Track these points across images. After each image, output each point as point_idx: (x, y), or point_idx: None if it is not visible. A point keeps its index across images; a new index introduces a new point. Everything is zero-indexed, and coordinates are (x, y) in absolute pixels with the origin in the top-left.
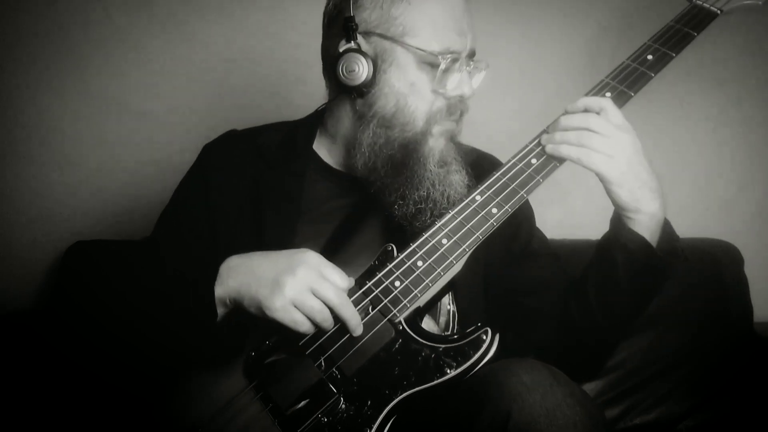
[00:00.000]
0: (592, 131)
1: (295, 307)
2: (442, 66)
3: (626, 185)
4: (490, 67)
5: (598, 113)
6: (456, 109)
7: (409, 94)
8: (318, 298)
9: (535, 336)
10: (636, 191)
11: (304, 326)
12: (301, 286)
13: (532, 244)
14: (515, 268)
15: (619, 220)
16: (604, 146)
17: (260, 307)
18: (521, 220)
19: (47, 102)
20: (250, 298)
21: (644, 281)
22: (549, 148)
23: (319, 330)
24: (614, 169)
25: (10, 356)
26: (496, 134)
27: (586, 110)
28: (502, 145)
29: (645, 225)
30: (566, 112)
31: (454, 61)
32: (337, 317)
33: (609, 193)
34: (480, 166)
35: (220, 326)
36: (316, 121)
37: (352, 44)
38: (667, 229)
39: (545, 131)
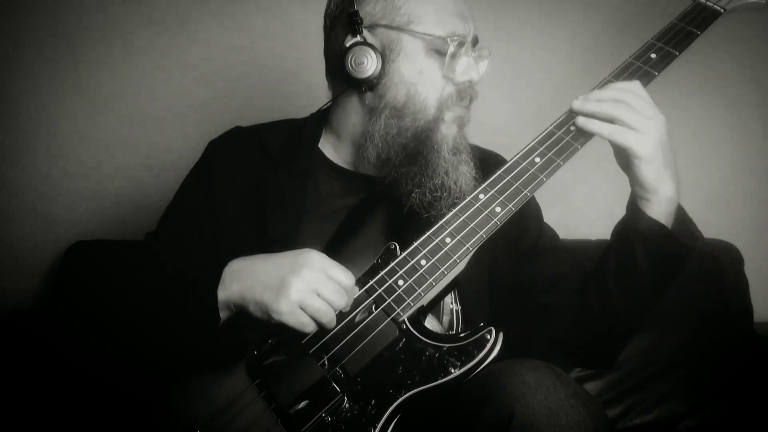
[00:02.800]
0: (627, 104)
1: (301, 309)
2: (451, 50)
3: (655, 162)
4: (493, 67)
5: None
6: (465, 94)
7: (419, 82)
8: (322, 299)
9: (549, 330)
10: (662, 171)
11: (310, 327)
12: (306, 288)
13: (543, 239)
14: (528, 264)
15: (635, 206)
16: (637, 122)
17: (266, 311)
18: (528, 216)
19: (47, 102)
20: (255, 302)
21: (664, 265)
22: (580, 121)
23: (322, 329)
24: (646, 145)
25: (10, 356)
26: (497, 133)
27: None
28: (503, 144)
29: (662, 209)
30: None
31: (461, 45)
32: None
33: (635, 169)
34: (485, 163)
35: (222, 329)
36: (321, 119)
37: (359, 38)
38: (680, 212)
39: (563, 123)
